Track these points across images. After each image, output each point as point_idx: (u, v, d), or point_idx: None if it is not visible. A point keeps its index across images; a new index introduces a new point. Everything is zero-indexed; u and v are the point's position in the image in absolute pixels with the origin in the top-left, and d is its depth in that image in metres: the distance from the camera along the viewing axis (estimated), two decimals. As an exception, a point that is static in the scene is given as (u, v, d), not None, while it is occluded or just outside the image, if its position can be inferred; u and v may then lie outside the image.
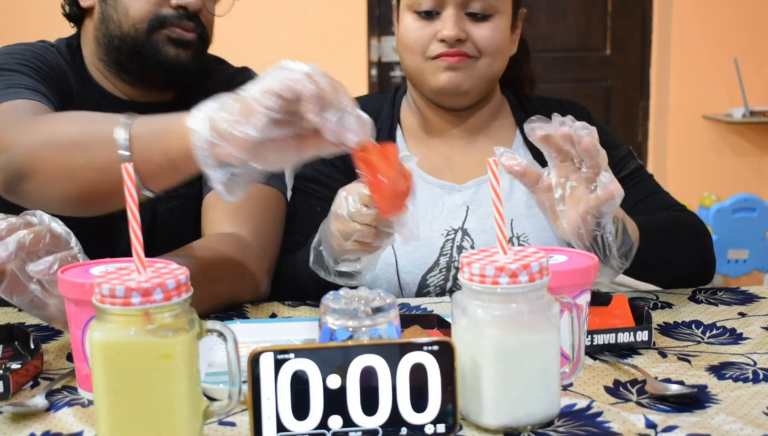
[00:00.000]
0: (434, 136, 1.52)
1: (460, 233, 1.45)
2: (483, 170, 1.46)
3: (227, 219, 1.40)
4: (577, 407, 0.93)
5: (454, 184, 1.48)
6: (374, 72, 4.08)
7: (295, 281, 1.36)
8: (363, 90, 4.01)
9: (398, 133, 1.52)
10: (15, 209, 1.09)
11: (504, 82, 1.56)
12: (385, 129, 1.50)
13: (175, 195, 1.48)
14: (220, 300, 1.30)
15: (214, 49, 1.59)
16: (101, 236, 1.40)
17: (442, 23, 1.40)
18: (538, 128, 1.08)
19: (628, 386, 0.99)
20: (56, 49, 1.50)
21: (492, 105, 1.53)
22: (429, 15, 1.41)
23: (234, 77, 1.54)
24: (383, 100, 1.55)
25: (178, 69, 1.44)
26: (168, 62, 1.43)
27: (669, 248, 1.32)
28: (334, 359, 0.82)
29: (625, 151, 1.51)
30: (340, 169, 1.46)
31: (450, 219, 1.46)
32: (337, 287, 0.97)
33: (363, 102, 1.52)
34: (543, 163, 1.13)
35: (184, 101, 1.48)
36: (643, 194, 1.45)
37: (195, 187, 1.50)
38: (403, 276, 1.43)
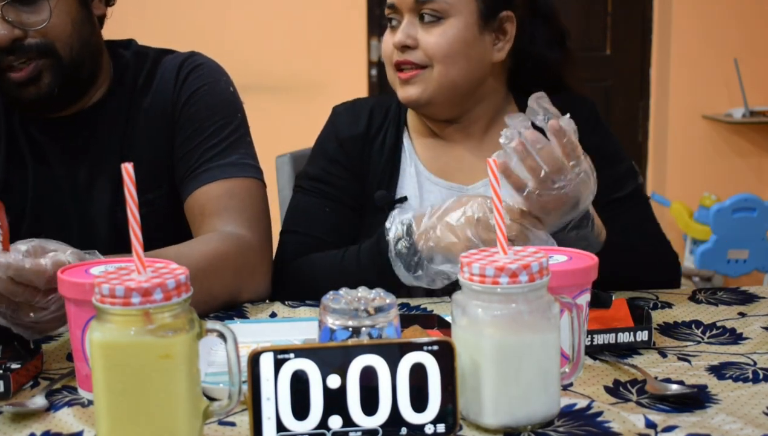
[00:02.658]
0: (440, 138, 1.50)
1: None
2: None
3: (219, 220, 1.39)
4: (577, 407, 0.93)
5: (462, 186, 1.46)
6: (374, 72, 4.08)
7: (316, 283, 1.32)
8: (363, 90, 4.01)
9: (405, 134, 1.51)
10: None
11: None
12: (393, 131, 1.49)
13: (144, 202, 1.47)
14: (222, 300, 1.30)
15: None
16: None
17: None
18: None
19: (628, 386, 0.99)
20: None
21: (486, 106, 1.48)
22: (394, 26, 1.42)
23: (183, 63, 1.51)
24: (390, 100, 1.54)
25: (41, 101, 1.38)
26: (23, 100, 1.38)
27: (632, 253, 1.35)
28: (334, 359, 0.82)
29: (626, 167, 1.48)
30: (347, 169, 1.46)
31: None
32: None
33: (371, 103, 1.53)
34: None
35: (120, 96, 1.46)
36: (633, 221, 1.43)
37: (162, 189, 1.48)
38: None
